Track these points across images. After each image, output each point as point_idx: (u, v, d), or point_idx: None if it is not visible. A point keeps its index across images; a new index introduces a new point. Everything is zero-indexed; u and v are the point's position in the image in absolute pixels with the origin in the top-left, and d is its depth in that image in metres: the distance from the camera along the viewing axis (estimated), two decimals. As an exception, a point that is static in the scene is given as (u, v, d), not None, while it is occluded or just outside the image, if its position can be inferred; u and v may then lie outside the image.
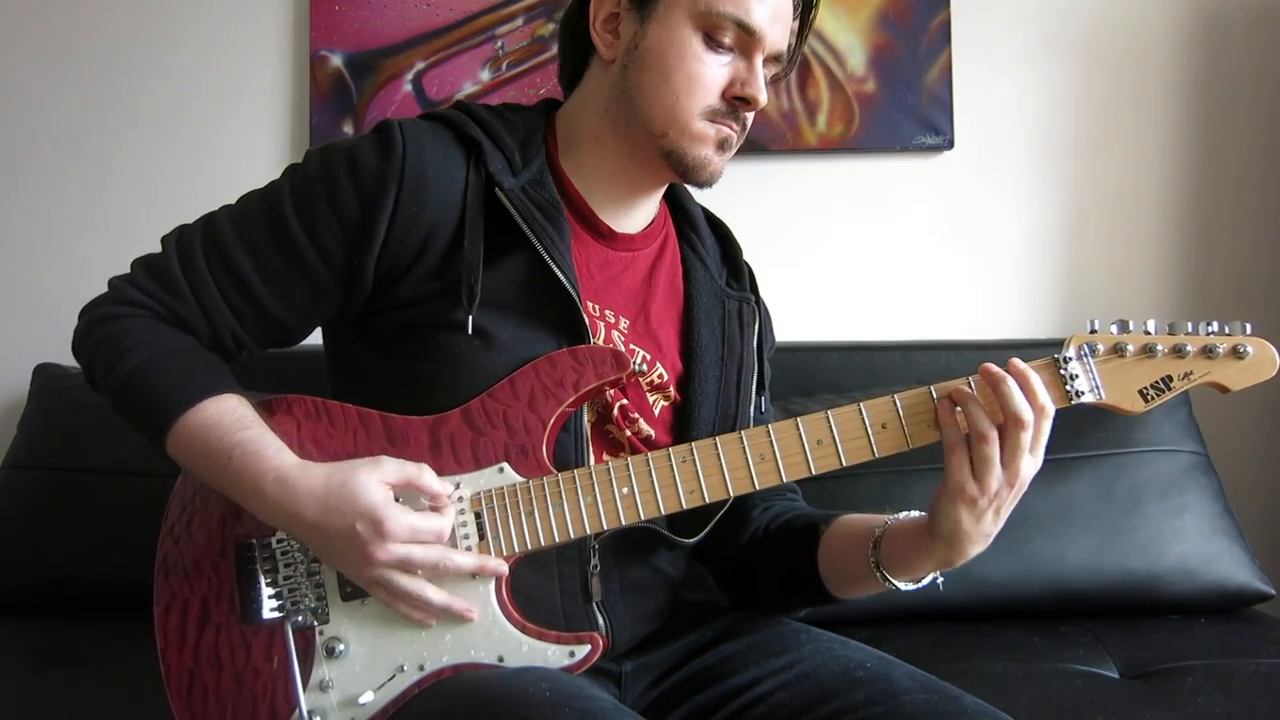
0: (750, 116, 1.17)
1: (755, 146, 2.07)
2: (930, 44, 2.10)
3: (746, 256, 1.35)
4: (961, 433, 1.04)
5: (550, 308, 1.11)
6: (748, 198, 2.09)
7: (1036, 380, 1.02)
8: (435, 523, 1.04)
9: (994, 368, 1.03)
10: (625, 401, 1.16)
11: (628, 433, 1.16)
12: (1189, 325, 1.07)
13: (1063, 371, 1.06)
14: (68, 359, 1.19)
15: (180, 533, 1.14)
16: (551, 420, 1.09)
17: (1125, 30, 2.11)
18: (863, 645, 1.16)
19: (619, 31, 1.16)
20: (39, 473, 1.88)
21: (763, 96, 1.14)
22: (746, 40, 1.12)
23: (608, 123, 1.17)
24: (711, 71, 1.12)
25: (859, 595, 1.18)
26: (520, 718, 0.93)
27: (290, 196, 1.12)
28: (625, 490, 1.08)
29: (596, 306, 1.17)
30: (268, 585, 1.09)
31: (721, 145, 1.15)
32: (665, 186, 1.26)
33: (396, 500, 1.04)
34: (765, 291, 1.39)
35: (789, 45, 1.17)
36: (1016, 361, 1.04)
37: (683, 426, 1.20)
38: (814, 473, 1.08)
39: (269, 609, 1.08)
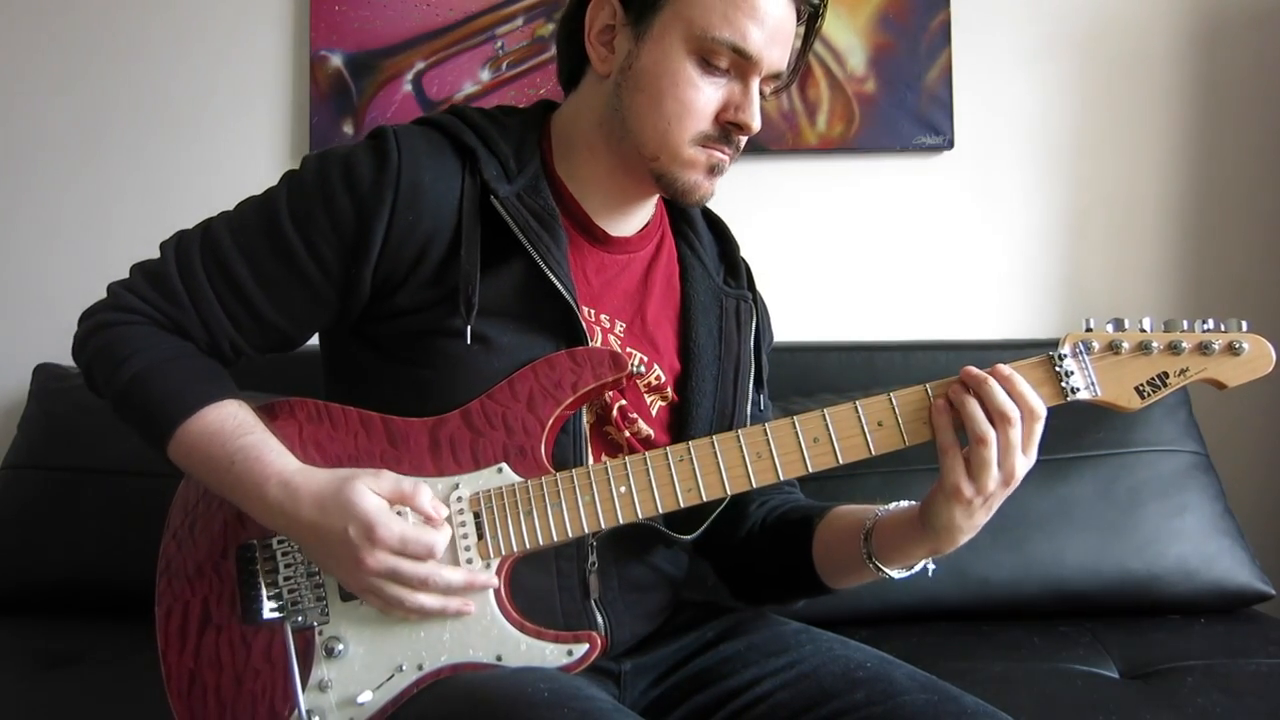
0: (744, 139, 1.15)
1: (755, 146, 2.06)
2: (930, 44, 2.10)
3: (746, 256, 1.35)
4: (954, 434, 1.04)
5: (547, 314, 1.11)
6: (748, 198, 2.09)
7: (1022, 381, 1.03)
8: (426, 536, 1.03)
9: (974, 370, 1.04)
10: (624, 402, 1.16)
11: (626, 433, 1.17)
12: (1184, 322, 1.07)
13: (1058, 369, 1.06)
14: (68, 359, 1.20)
15: (183, 537, 1.15)
16: (550, 421, 1.09)
17: (1125, 30, 2.11)
18: (863, 645, 1.17)
19: (614, 46, 1.14)
20: (39, 473, 1.88)
21: (756, 124, 1.12)
22: (743, 64, 1.10)
23: (601, 136, 1.17)
24: (705, 96, 1.10)
25: (853, 584, 1.20)
26: (519, 718, 0.93)
27: (287, 205, 1.12)
28: (623, 489, 1.08)
29: (593, 312, 1.17)
30: (268, 586, 1.09)
31: (712, 170, 1.14)
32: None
33: (397, 512, 1.04)
34: (765, 292, 1.39)
35: (791, 59, 1.15)
36: (1001, 366, 1.05)
37: (680, 426, 1.20)
38: (811, 471, 1.08)
39: (269, 609, 1.08)
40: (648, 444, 1.17)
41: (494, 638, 1.06)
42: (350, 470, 1.06)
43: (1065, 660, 1.54)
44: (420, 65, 2.16)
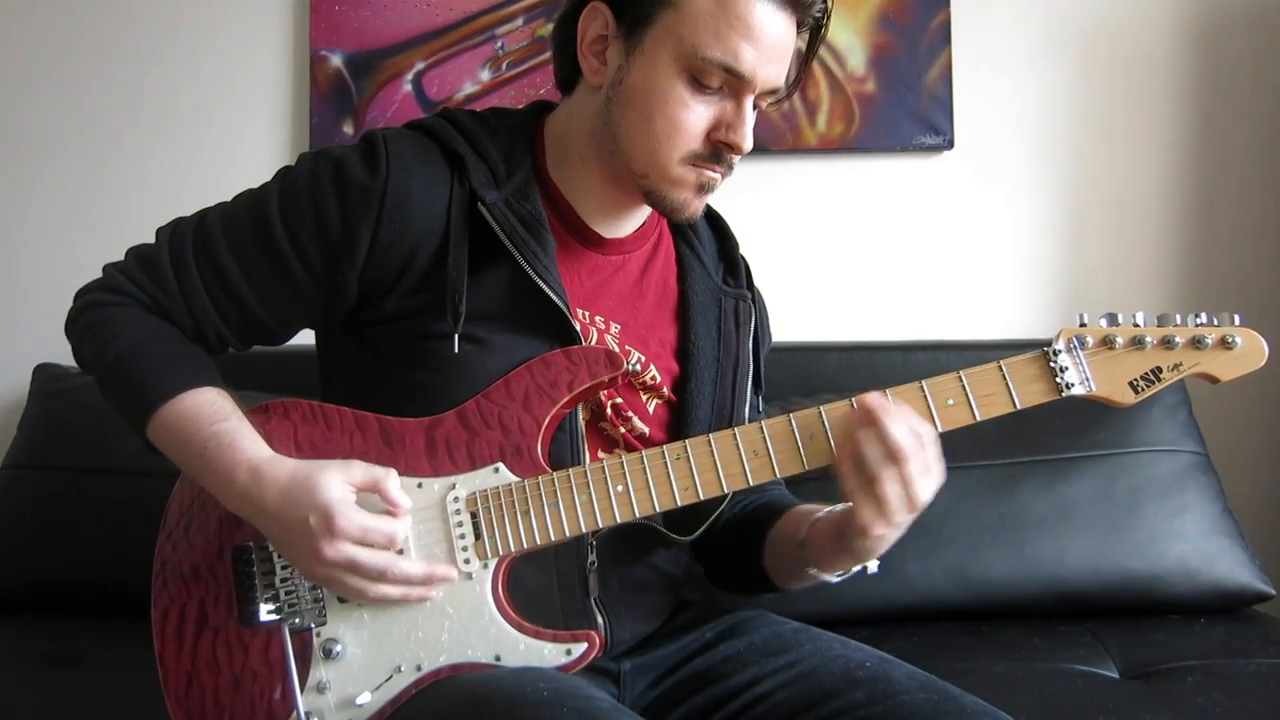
0: (736, 158, 1.13)
1: (755, 146, 2.04)
2: (930, 44, 2.10)
3: (745, 256, 1.35)
4: (860, 480, 1.03)
5: (539, 318, 1.11)
6: (748, 198, 2.09)
7: (902, 409, 1.03)
8: (387, 526, 1.03)
9: (869, 402, 1.03)
10: (619, 400, 1.16)
11: (622, 430, 1.17)
12: (1177, 317, 1.07)
13: (1052, 364, 1.07)
14: (68, 359, 1.20)
15: (178, 538, 1.15)
16: (546, 420, 1.09)
17: (1125, 30, 2.11)
18: (863, 645, 1.16)
19: (606, 57, 1.13)
20: (39, 473, 1.88)
21: (747, 144, 1.11)
22: (735, 83, 1.08)
23: (593, 147, 1.16)
24: (695, 114, 1.08)
25: (800, 586, 1.21)
26: (518, 717, 0.93)
27: (278, 202, 1.13)
28: (620, 488, 1.08)
29: (586, 314, 1.17)
30: (264, 588, 1.09)
31: (702, 188, 1.13)
32: None
33: (361, 505, 1.04)
34: (765, 292, 1.39)
35: (791, 71, 1.13)
36: (869, 396, 1.04)
37: (678, 426, 1.20)
38: (807, 468, 1.08)
39: (266, 611, 1.08)
40: (644, 441, 1.17)
41: (492, 638, 1.06)
42: (319, 461, 1.06)
43: (1065, 660, 1.54)
44: (420, 65, 2.16)
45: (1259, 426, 2.10)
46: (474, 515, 1.08)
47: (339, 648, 1.07)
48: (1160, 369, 1.07)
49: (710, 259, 1.30)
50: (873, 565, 1.14)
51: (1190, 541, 1.70)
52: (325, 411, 1.13)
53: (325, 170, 1.12)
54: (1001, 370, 1.07)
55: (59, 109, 2.21)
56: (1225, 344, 1.06)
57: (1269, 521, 2.05)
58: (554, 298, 1.10)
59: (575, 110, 1.19)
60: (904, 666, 1.11)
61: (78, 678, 1.55)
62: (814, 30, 1.14)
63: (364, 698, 1.06)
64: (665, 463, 1.08)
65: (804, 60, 1.17)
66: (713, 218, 1.34)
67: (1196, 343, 1.06)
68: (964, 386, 1.07)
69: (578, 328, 1.12)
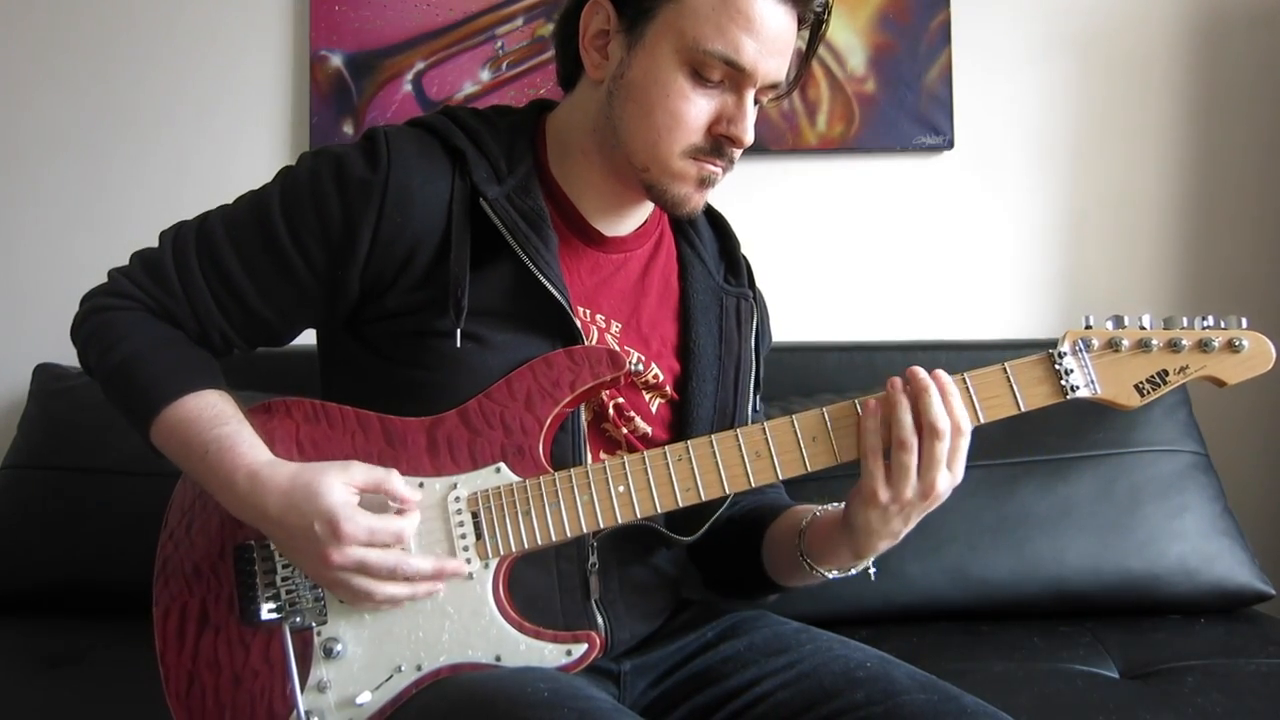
0: (738, 152, 1.13)
1: (755, 146, 2.03)
2: (930, 44, 2.10)
3: (745, 254, 1.35)
4: (879, 440, 1.04)
5: (541, 315, 1.11)
6: (747, 197, 2.09)
7: (956, 396, 1.04)
8: (394, 524, 1.04)
9: (921, 374, 1.04)
10: (621, 400, 1.16)
11: (624, 430, 1.17)
12: (1184, 320, 1.07)
13: (1057, 366, 1.06)
14: (67, 359, 1.21)
15: (180, 537, 1.15)
16: (548, 420, 1.09)
17: (1125, 30, 2.11)
18: (863, 645, 1.16)
19: (608, 52, 1.13)
20: (39, 473, 1.88)
21: (748, 138, 1.11)
22: (736, 76, 1.08)
23: (594, 142, 1.16)
24: (696, 108, 1.09)
25: (800, 584, 1.21)
26: (518, 717, 0.93)
27: (279, 201, 1.13)
28: (621, 488, 1.08)
29: (587, 312, 1.17)
30: (265, 587, 1.09)
31: (703, 182, 1.13)
32: None
33: (363, 505, 1.04)
34: (765, 292, 1.39)
35: (792, 67, 1.13)
36: (941, 373, 1.05)
37: (681, 425, 1.20)
38: (809, 470, 1.08)
39: (267, 610, 1.08)
40: (646, 441, 1.17)
41: (493, 638, 1.06)
42: (318, 464, 1.06)
43: (1065, 660, 1.54)
44: (420, 65, 2.16)
45: (1259, 426, 2.10)
46: (475, 515, 1.08)
47: (340, 647, 1.07)
48: (1166, 372, 1.06)
49: (712, 258, 1.30)
50: (871, 568, 1.14)
51: (1190, 541, 1.70)
52: (327, 410, 1.13)
53: (326, 168, 1.12)
54: (1006, 372, 1.07)
55: (59, 109, 2.21)
56: (1232, 347, 1.05)
57: (1269, 521, 2.05)
58: (555, 294, 1.10)
59: (577, 106, 1.19)
60: (904, 667, 1.11)
61: (78, 678, 1.55)
62: (815, 27, 1.14)
63: (364, 697, 1.06)
64: (667, 463, 1.08)
65: (804, 57, 1.17)
66: (714, 217, 1.34)
67: (1203, 346, 1.06)
68: (969, 389, 1.06)
69: (579, 325, 1.12)
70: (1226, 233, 2.11)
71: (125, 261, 1.20)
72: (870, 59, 2.11)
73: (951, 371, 1.07)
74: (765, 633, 1.19)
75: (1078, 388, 1.06)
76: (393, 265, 1.11)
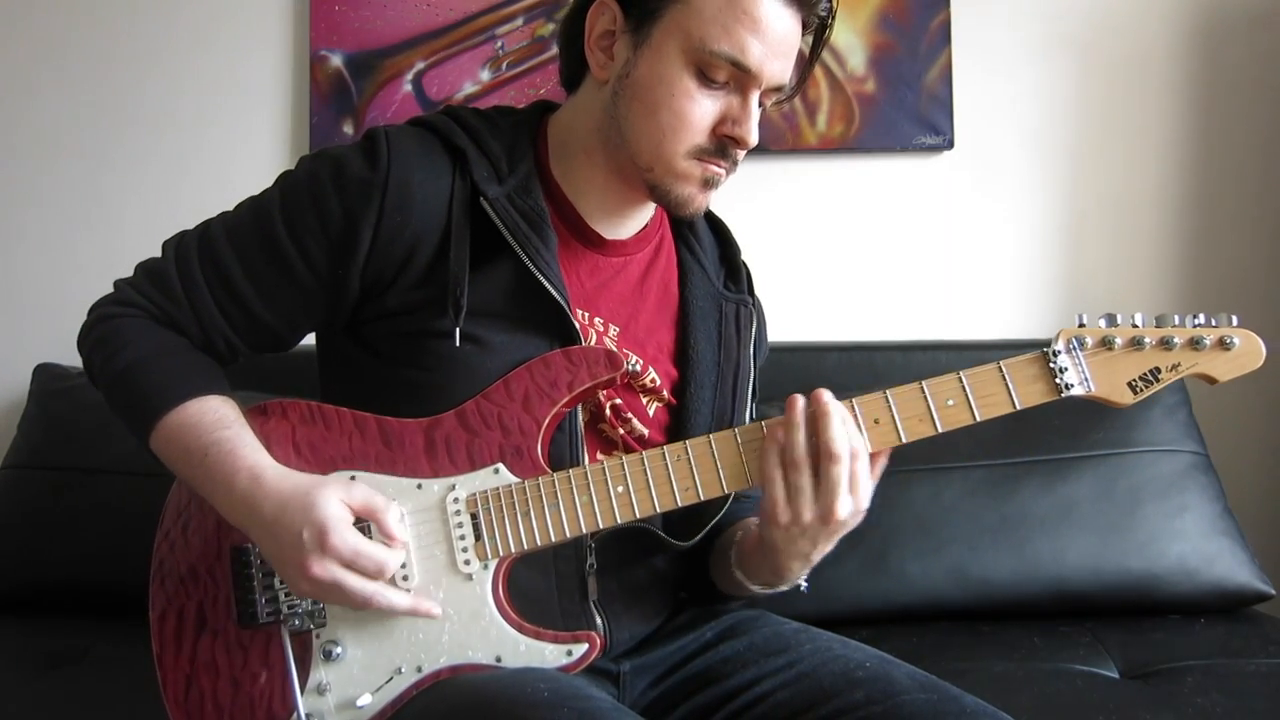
0: (742, 153, 1.13)
1: (756, 146, 2.06)
2: (930, 44, 2.10)
3: (746, 257, 1.35)
4: (778, 459, 1.05)
5: (539, 315, 1.11)
6: (748, 198, 2.09)
7: (847, 419, 1.04)
8: (379, 553, 1.03)
9: (824, 398, 1.04)
10: (618, 401, 1.16)
11: (621, 431, 1.17)
12: (1175, 318, 1.08)
13: (1052, 365, 1.07)
14: (67, 359, 1.21)
15: (176, 538, 1.15)
16: (546, 421, 1.09)
17: (1125, 30, 2.11)
18: (863, 645, 1.16)
19: (613, 52, 1.13)
20: (39, 473, 1.88)
21: (752, 139, 1.11)
22: (742, 77, 1.08)
23: (598, 142, 1.16)
24: (701, 109, 1.09)
25: (741, 595, 1.22)
26: (518, 718, 0.93)
27: (279, 206, 1.13)
28: (620, 489, 1.08)
29: (586, 314, 1.17)
30: (263, 589, 1.09)
31: (707, 183, 1.13)
32: None
33: (362, 528, 1.04)
34: (765, 292, 1.39)
35: (796, 70, 1.13)
36: (827, 397, 1.05)
37: (677, 429, 1.20)
38: None
39: (265, 613, 1.08)
40: (643, 443, 1.17)
41: (493, 639, 1.06)
42: (323, 476, 1.06)
43: (1065, 660, 1.54)
44: (420, 65, 2.16)
45: (1259, 426, 2.10)
46: (474, 516, 1.08)
47: (339, 649, 1.07)
48: (1159, 369, 1.07)
49: (712, 264, 1.30)
50: (803, 584, 1.16)
51: (1190, 541, 1.70)
52: (324, 412, 1.13)
53: (325, 169, 1.12)
54: (1001, 371, 1.07)
55: (59, 109, 2.21)
56: (1223, 345, 1.06)
57: (1269, 521, 2.05)
58: (555, 295, 1.10)
59: (580, 106, 1.19)
60: (904, 667, 1.10)
61: (78, 678, 1.55)
62: (819, 31, 1.15)
63: (364, 699, 1.06)
64: (666, 463, 1.08)
65: (808, 61, 1.17)
66: (715, 223, 1.34)
67: (1194, 343, 1.07)
68: (964, 387, 1.07)
69: (578, 326, 1.12)
70: (1226, 233, 2.11)
71: (125, 261, 1.20)
72: (870, 59, 2.11)
73: (950, 371, 1.07)
74: (765, 633, 1.19)
75: (1072, 386, 1.07)
76: (393, 264, 1.11)
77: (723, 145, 1.11)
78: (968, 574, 1.70)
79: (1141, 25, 2.11)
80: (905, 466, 1.72)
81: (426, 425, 1.10)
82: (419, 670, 1.06)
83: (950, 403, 1.07)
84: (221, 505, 1.07)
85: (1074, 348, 1.08)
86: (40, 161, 2.21)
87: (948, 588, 1.70)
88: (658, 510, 1.08)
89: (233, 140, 2.19)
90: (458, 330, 1.08)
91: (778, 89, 1.12)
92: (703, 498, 1.08)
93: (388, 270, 1.11)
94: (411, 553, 1.07)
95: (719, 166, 1.13)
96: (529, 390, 1.09)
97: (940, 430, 1.07)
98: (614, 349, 1.15)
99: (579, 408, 1.14)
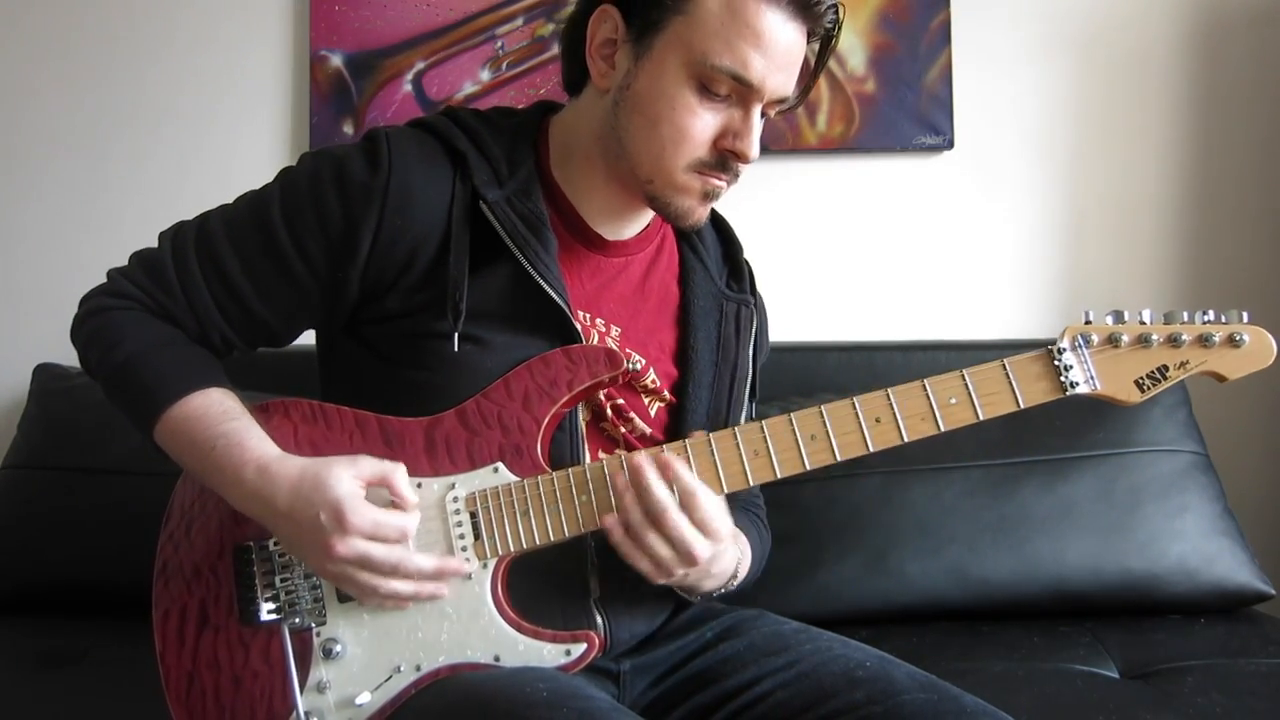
0: (743, 166, 1.13)
1: (755, 147, 2.07)
2: (930, 44, 2.10)
3: (746, 256, 1.35)
4: (623, 534, 1.05)
5: (540, 318, 1.11)
6: (748, 197, 2.08)
7: (675, 464, 1.04)
8: (399, 519, 1.03)
9: (632, 460, 1.04)
10: (620, 401, 1.16)
11: (623, 430, 1.17)
12: (1184, 314, 1.06)
13: (1057, 362, 1.06)
14: (68, 359, 1.21)
15: (180, 539, 1.15)
16: (546, 420, 1.09)
17: (1125, 30, 2.11)
18: (863, 645, 1.16)
19: (614, 61, 1.12)
20: (39, 473, 1.88)
21: (753, 153, 1.10)
22: (743, 91, 1.07)
23: (598, 150, 1.16)
24: (702, 122, 1.08)
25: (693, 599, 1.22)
26: (517, 717, 0.93)
27: (279, 202, 1.13)
28: (619, 488, 1.07)
29: (587, 315, 1.17)
30: (265, 587, 1.09)
31: (707, 196, 1.13)
32: None
33: (369, 500, 1.04)
34: (765, 292, 1.39)
35: (800, 80, 1.13)
36: (632, 460, 1.05)
37: (676, 428, 1.20)
38: (808, 468, 1.08)
39: (266, 611, 1.08)
40: (646, 442, 1.17)
41: (492, 638, 1.06)
42: (326, 458, 1.06)
43: (1065, 660, 1.54)
44: (420, 65, 2.16)
45: (1259, 426, 2.10)
46: (473, 515, 1.08)
47: (339, 647, 1.07)
48: (1166, 367, 1.06)
49: (714, 263, 1.29)
50: (736, 582, 1.18)
51: (1190, 541, 1.70)
52: (325, 411, 1.13)
53: (326, 169, 1.12)
54: (1005, 369, 1.07)
55: (59, 109, 2.21)
56: (1233, 342, 1.05)
57: (1269, 521, 2.05)
58: (555, 297, 1.10)
59: (581, 112, 1.19)
60: (904, 666, 1.10)
61: (78, 678, 1.55)
62: (824, 40, 1.13)
63: (364, 697, 1.06)
64: (664, 463, 1.08)
65: (814, 70, 1.16)
66: (718, 222, 1.34)
67: (1203, 340, 1.05)
68: (967, 385, 1.06)
69: (578, 328, 1.12)
70: (1226, 233, 2.11)
71: (125, 261, 1.19)
72: (870, 59, 2.11)
73: (951, 371, 1.07)
74: (765, 633, 1.19)
75: (1077, 384, 1.06)
76: (393, 267, 1.11)
77: (723, 159, 1.11)
78: (967, 574, 1.70)
79: (1141, 25, 2.11)
80: (905, 466, 1.73)
81: (427, 424, 1.10)
82: (418, 669, 1.06)
83: (953, 401, 1.07)
84: (233, 498, 1.07)
85: (1079, 345, 1.07)
86: (40, 161, 2.21)
87: (948, 588, 1.70)
88: (657, 509, 1.08)
89: (233, 140, 2.19)
90: (456, 334, 1.08)
91: (781, 101, 1.11)
92: (701, 496, 1.08)
93: (388, 273, 1.11)
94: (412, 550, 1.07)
95: (719, 180, 1.12)
96: (529, 389, 1.09)
97: (943, 429, 1.07)
98: (614, 348, 1.15)
99: (580, 407, 1.14)
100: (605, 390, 1.14)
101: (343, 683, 1.07)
